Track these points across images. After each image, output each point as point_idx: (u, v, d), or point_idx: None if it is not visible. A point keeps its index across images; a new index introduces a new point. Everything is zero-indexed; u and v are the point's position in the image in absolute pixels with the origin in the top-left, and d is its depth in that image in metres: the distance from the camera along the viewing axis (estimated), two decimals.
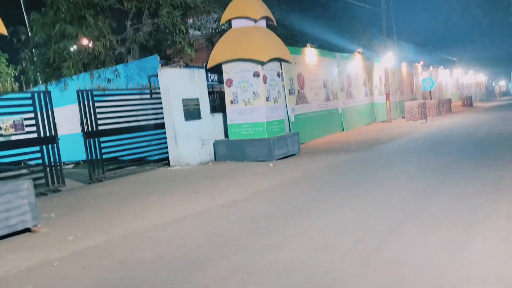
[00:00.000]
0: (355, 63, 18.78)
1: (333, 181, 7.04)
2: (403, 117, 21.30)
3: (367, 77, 20.13)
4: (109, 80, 11.49)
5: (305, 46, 15.26)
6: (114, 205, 6.48)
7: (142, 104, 9.91)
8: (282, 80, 13.32)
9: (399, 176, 7.02)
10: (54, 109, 10.43)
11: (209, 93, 11.59)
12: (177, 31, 11.72)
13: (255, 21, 10.47)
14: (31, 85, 13.30)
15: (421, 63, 29.10)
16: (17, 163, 8.69)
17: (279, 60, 11.04)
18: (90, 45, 12.07)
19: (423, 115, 19.36)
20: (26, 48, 12.57)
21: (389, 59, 20.86)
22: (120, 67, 11.78)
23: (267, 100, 10.33)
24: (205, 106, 10.76)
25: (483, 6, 30.97)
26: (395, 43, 24.71)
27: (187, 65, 12.67)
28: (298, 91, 14.05)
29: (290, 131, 12.98)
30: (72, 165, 12.55)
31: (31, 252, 4.42)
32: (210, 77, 11.34)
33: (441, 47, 38.67)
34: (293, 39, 17.85)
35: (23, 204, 4.97)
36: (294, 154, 10.77)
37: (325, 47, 17.72)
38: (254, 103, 10.33)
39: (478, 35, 38.90)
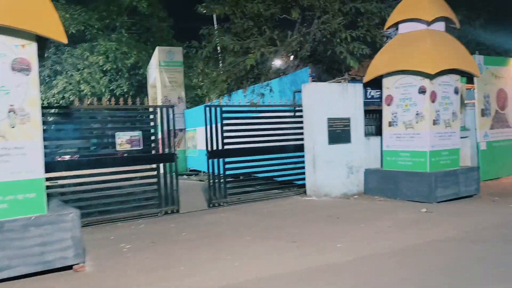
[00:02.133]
0: None
1: (496, 257, 4.64)
2: None
3: None
4: (262, 95, 10.80)
5: None
6: (195, 243, 5.54)
7: (282, 123, 8.83)
8: (472, 98, 10.58)
9: None
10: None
11: (369, 111, 9.77)
12: (338, 40, 10.28)
13: (428, 23, 8.29)
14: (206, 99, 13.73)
15: None
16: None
17: (459, 72, 8.55)
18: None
19: None
20: (199, 61, 12.94)
21: None
22: (274, 81, 10.96)
23: (434, 124, 8.05)
24: (358, 127, 9.05)
25: None
26: None
27: (353, 80, 11.13)
28: (496, 111, 10.93)
29: (478, 162, 10.17)
30: None
31: None
32: (370, 93, 9.54)
33: None
34: (502, 48, 14.34)
35: (65, 238, 4.40)
36: (470, 196, 8.16)
37: None
38: (416, 127, 8.17)
39: None
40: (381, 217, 6.71)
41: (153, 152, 7.37)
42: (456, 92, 8.50)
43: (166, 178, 7.37)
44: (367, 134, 9.45)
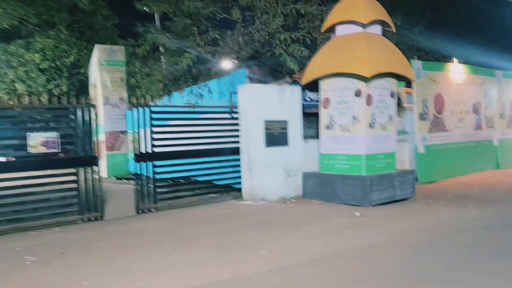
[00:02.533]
0: None
1: (418, 262, 4.51)
2: None
3: None
4: (200, 96, 10.44)
5: (449, 61, 12.23)
6: (111, 254, 5.09)
7: (217, 125, 8.50)
8: (411, 103, 10.69)
9: None
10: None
11: (309, 114, 9.61)
12: (277, 42, 10.09)
13: (364, 26, 8.22)
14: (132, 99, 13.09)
15: None
16: None
17: (396, 76, 8.54)
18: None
19: None
20: (136, 60, 12.40)
21: None
22: (213, 82, 10.63)
23: (370, 127, 7.97)
24: (296, 130, 8.86)
25: None
26: None
27: (294, 82, 10.99)
28: (434, 115, 11.11)
29: (416, 165, 10.27)
30: None
31: None
32: (309, 96, 9.40)
33: None
34: (440, 54, 14.73)
35: None
36: (405, 199, 8.15)
37: (482, 63, 14.15)
38: (352, 130, 8.07)
39: None
40: (314, 222, 6.51)
41: (72, 154, 6.80)
42: (392, 95, 8.48)
43: (87, 182, 6.83)
44: (307, 137, 9.26)
